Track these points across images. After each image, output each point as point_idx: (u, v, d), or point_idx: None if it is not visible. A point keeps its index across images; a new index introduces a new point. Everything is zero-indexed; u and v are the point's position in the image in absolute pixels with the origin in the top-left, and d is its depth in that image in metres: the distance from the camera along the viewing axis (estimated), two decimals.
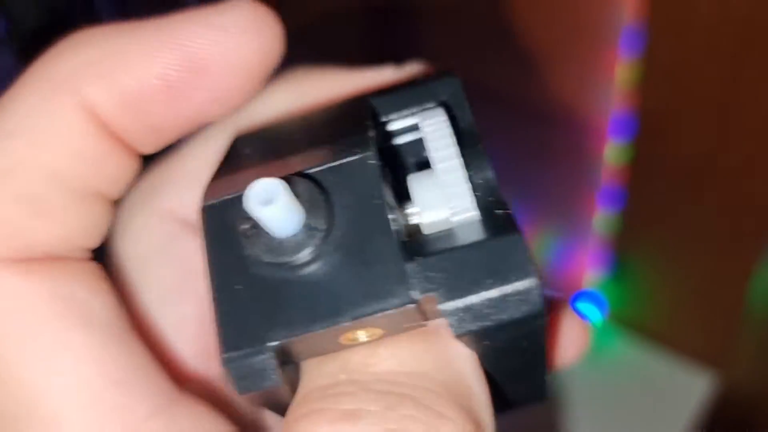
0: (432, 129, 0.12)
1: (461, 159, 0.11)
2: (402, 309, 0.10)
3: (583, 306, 0.60)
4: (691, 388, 0.55)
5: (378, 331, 0.10)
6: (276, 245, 0.10)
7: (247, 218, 0.10)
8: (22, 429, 0.11)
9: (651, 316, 0.58)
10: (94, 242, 0.12)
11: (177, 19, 0.12)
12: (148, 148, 0.13)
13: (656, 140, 0.47)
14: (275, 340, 0.10)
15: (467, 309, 0.10)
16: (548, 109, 0.56)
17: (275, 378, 0.10)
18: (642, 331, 0.59)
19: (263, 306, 0.10)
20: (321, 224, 0.10)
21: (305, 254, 0.10)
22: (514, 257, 0.10)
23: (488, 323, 0.10)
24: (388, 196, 0.11)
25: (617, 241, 0.56)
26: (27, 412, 0.11)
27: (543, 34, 0.52)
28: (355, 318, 0.10)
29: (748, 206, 0.45)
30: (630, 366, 0.57)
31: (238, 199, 0.10)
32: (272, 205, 0.09)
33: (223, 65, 0.12)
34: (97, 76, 0.11)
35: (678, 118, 0.45)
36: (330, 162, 0.11)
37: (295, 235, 0.10)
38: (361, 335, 0.10)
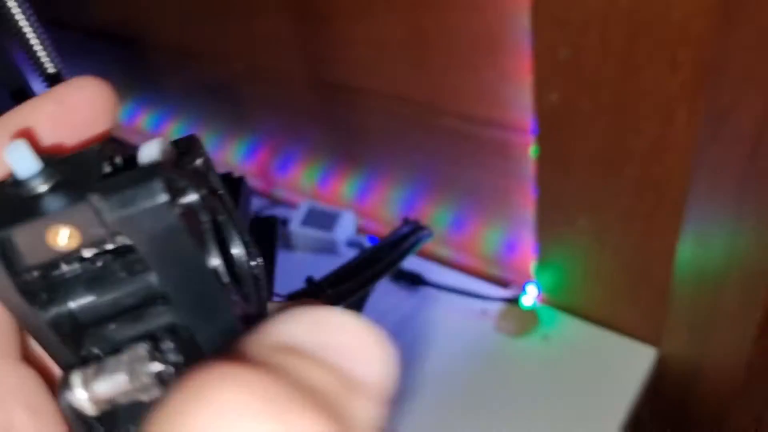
0: None
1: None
2: (77, 206, 0.13)
3: (528, 293, 0.63)
4: (632, 363, 0.58)
5: (73, 232, 0.13)
6: (18, 182, 0.13)
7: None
8: None
9: (587, 299, 0.60)
10: None
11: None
12: None
13: (564, 131, 0.50)
14: None
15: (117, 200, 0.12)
16: (475, 112, 0.58)
17: None
18: (581, 314, 0.62)
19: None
20: (51, 174, 0.13)
21: (31, 189, 0.13)
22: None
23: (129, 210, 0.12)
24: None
25: (545, 229, 0.58)
26: None
27: (460, 37, 0.54)
28: (46, 216, 0.13)
29: (662, 183, 0.48)
30: (573, 346, 0.60)
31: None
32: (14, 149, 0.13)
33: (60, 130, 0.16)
34: None
35: (581, 109, 0.47)
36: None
37: (32, 178, 0.13)
38: (62, 234, 0.13)
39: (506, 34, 0.51)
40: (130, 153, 0.14)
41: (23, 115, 0.15)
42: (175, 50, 0.80)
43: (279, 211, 0.78)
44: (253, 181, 0.86)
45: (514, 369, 0.58)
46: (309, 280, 0.44)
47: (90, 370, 0.13)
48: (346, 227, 0.72)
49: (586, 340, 0.60)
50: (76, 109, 0.16)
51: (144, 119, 0.96)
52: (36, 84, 0.47)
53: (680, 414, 0.60)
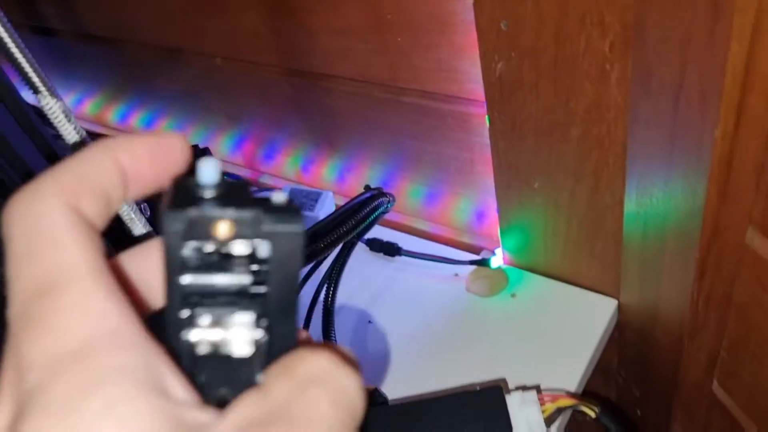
0: None
1: None
2: (246, 212, 0.18)
3: (496, 256, 0.67)
4: (595, 314, 0.62)
5: (232, 228, 0.18)
6: (198, 184, 0.18)
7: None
8: (49, 296, 0.16)
9: (549, 257, 0.64)
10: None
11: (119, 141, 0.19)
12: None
13: (512, 99, 0.53)
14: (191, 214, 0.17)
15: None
16: (435, 88, 0.62)
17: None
18: (545, 272, 0.66)
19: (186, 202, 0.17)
20: (219, 187, 0.18)
21: (206, 192, 0.18)
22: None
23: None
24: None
25: (504, 194, 0.62)
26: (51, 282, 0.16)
27: (415, 19, 0.58)
28: (221, 211, 0.17)
29: (604, 140, 0.52)
30: (539, 302, 0.64)
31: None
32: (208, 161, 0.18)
33: (147, 172, 0.20)
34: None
35: (525, 76, 0.51)
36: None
37: (208, 186, 0.18)
38: (224, 227, 0.18)
39: (456, 13, 0.55)
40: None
41: (129, 140, 0.19)
42: (159, 49, 0.84)
43: (265, 194, 0.82)
44: (242, 172, 0.91)
45: (485, 325, 0.62)
46: None
47: (204, 317, 0.18)
48: (327, 206, 0.76)
49: (551, 296, 0.64)
50: (169, 151, 0.20)
51: (136, 119, 1.00)
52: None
53: (642, 359, 0.64)
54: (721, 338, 0.53)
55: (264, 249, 0.18)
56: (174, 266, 0.18)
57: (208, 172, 0.18)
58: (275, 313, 0.19)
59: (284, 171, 0.86)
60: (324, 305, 0.62)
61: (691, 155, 0.45)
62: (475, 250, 0.71)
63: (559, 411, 0.43)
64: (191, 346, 0.18)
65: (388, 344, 0.63)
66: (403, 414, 0.45)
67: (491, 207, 0.67)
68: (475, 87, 0.59)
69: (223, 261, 0.18)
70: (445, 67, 0.60)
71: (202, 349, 0.18)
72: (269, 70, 0.74)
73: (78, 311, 0.16)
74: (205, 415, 0.16)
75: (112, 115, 1.04)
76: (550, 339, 0.60)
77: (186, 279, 0.18)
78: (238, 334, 0.18)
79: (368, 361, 0.62)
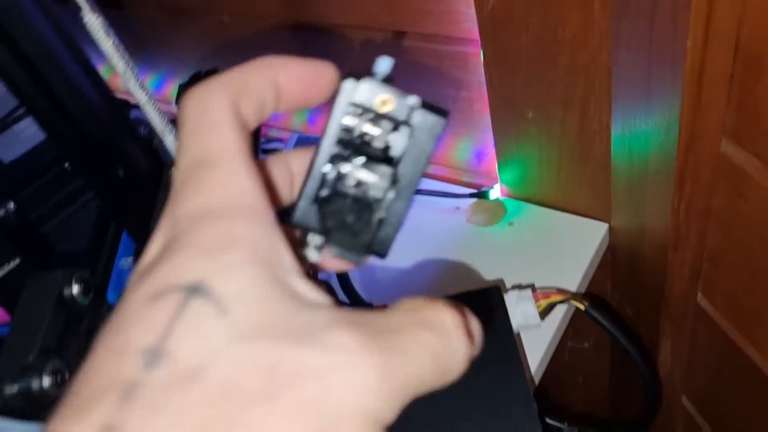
0: None
1: None
2: (407, 96, 0.23)
3: (494, 189, 0.71)
4: (587, 238, 0.66)
5: (389, 103, 0.22)
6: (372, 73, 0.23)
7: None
8: (205, 167, 0.20)
9: (543, 186, 0.68)
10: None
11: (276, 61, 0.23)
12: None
13: (503, 33, 0.57)
14: None
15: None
16: (434, 31, 0.66)
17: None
18: (540, 202, 0.70)
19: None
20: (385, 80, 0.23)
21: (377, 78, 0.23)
22: None
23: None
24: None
25: (500, 127, 0.66)
26: (208, 158, 0.20)
27: None
28: (390, 88, 0.23)
29: (590, 67, 0.56)
30: (535, 230, 0.68)
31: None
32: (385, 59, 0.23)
33: (297, 91, 0.23)
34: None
35: (514, 10, 0.55)
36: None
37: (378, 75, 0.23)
38: (387, 101, 0.22)
39: None
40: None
41: (288, 61, 0.23)
42: (164, 9, 0.88)
43: (271, 146, 0.86)
44: None
45: (485, 252, 0.67)
46: None
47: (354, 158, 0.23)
48: None
49: (546, 223, 0.68)
50: (319, 77, 0.23)
51: (147, 82, 1.04)
52: None
53: (633, 278, 0.68)
54: (703, 249, 0.57)
55: (405, 133, 0.23)
56: (339, 112, 0.22)
57: (384, 64, 0.23)
58: (399, 186, 0.23)
59: (291, 123, 0.90)
60: None
61: (666, 71, 0.49)
62: (475, 187, 0.76)
63: (552, 306, 0.48)
64: (339, 177, 0.23)
65: (393, 273, 0.68)
66: None
67: (489, 144, 0.72)
68: (472, 26, 0.62)
69: (377, 120, 0.23)
70: (443, 9, 0.63)
71: (348, 182, 0.23)
72: (276, 24, 0.78)
73: (224, 183, 0.20)
74: (320, 297, 0.19)
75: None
76: (546, 262, 0.64)
77: (347, 120, 0.22)
78: (376, 180, 0.23)
79: (373, 289, 0.66)
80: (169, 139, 0.39)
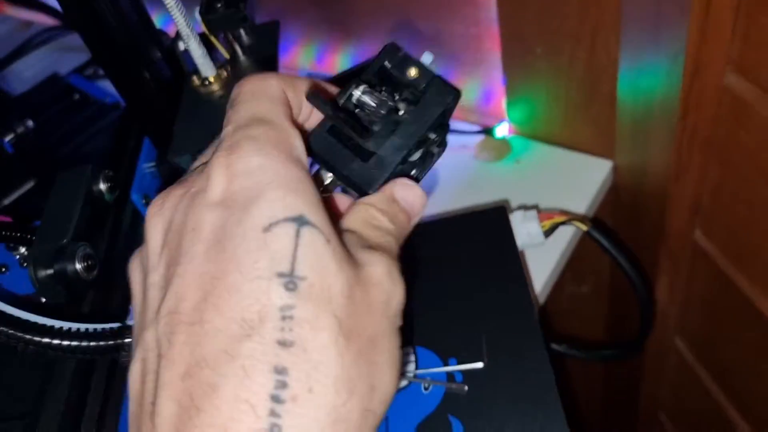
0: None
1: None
2: (431, 69, 0.29)
3: (501, 126, 0.73)
4: (592, 174, 0.68)
5: (416, 73, 0.29)
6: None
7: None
8: (260, 123, 0.25)
9: (550, 124, 0.70)
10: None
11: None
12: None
13: None
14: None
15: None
16: None
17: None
18: (547, 139, 0.72)
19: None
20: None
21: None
22: None
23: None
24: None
25: (510, 63, 0.67)
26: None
27: None
28: (421, 62, 0.29)
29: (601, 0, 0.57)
30: (541, 166, 0.70)
31: None
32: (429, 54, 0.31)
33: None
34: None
35: None
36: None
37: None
38: (413, 69, 0.29)
39: None
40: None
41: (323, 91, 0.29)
42: None
43: None
44: None
45: (491, 187, 0.68)
46: None
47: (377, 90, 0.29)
48: None
49: (552, 160, 0.70)
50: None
51: None
52: None
53: (634, 214, 0.70)
54: (703, 181, 0.59)
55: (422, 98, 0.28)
56: (374, 65, 0.28)
57: (427, 58, 0.29)
58: (398, 129, 0.27)
59: (299, 62, 0.91)
60: None
61: (675, 3, 0.50)
62: (483, 126, 0.77)
63: (555, 226, 0.49)
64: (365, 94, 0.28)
65: None
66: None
67: (498, 83, 0.73)
68: None
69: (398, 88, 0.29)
70: None
71: (371, 100, 0.27)
72: None
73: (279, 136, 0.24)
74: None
75: None
76: (550, 197, 0.66)
77: (375, 67, 0.28)
78: (386, 107, 0.27)
79: None
80: (192, 45, 0.40)
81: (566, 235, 0.58)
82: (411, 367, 0.44)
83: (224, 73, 0.44)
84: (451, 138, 0.75)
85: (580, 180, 0.68)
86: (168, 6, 0.37)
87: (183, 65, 0.44)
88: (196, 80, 0.43)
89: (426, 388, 0.42)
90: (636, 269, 0.48)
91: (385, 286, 0.23)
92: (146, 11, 0.44)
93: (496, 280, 0.48)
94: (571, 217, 0.49)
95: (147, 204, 0.40)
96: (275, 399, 0.19)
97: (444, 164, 0.73)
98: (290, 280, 0.21)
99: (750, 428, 0.69)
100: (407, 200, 0.28)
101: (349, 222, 0.26)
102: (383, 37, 0.80)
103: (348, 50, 0.85)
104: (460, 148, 0.73)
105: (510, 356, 0.43)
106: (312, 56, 0.89)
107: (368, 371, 0.22)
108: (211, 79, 0.43)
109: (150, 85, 0.43)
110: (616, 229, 0.75)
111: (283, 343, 0.20)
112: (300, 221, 0.22)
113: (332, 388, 0.20)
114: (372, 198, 0.27)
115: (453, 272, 0.48)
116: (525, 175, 0.69)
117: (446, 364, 0.43)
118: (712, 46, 0.50)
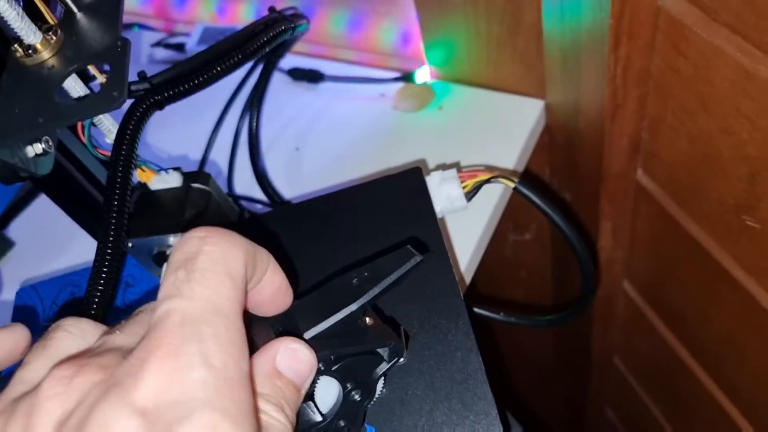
0: None
1: None
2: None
3: (421, 71, 0.65)
4: (523, 116, 0.61)
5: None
6: None
7: None
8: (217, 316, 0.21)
9: (473, 64, 0.63)
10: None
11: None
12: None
13: None
14: None
15: None
16: None
17: None
18: (471, 82, 0.65)
19: None
20: None
21: None
22: None
23: None
24: None
25: (424, 3, 0.60)
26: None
27: None
28: None
29: None
30: (467, 112, 0.63)
31: None
32: None
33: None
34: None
35: None
36: None
37: None
38: None
39: None
40: None
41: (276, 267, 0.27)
42: None
43: (178, 39, 0.78)
44: (154, 23, 0.86)
45: (414, 139, 0.62)
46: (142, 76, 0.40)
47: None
48: None
49: (478, 104, 0.63)
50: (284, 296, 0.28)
51: None
52: None
53: (570, 158, 0.64)
54: (642, 117, 0.53)
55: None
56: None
57: None
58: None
59: (198, 15, 0.81)
60: (249, 134, 0.60)
61: None
62: (402, 72, 0.70)
63: (479, 185, 0.43)
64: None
65: (318, 168, 0.62)
66: (317, 208, 0.45)
67: (415, 24, 0.65)
68: None
69: None
70: None
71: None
72: None
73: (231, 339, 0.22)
74: None
75: None
76: (479, 145, 0.60)
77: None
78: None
79: (299, 185, 0.61)
80: (0, 4, 0.32)
81: (493, 194, 0.52)
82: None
83: (53, 38, 0.35)
84: (367, 87, 0.68)
85: (511, 123, 0.61)
86: None
87: (5, 31, 0.35)
88: (18, 50, 0.35)
89: None
90: (571, 225, 0.43)
91: None
92: None
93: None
94: (495, 174, 0.43)
95: None
96: None
97: (361, 117, 0.66)
98: None
99: (702, 368, 0.66)
100: (292, 369, 0.25)
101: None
102: None
103: (251, 1, 0.75)
104: (377, 99, 0.66)
105: (434, 346, 0.37)
106: (212, 7, 0.79)
107: None
108: (39, 46, 0.35)
109: None
110: (553, 175, 0.70)
111: None
112: None
113: None
114: (256, 378, 0.24)
115: (364, 251, 0.41)
116: (450, 123, 0.63)
117: None
118: None
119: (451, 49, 0.62)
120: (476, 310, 0.45)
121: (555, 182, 0.70)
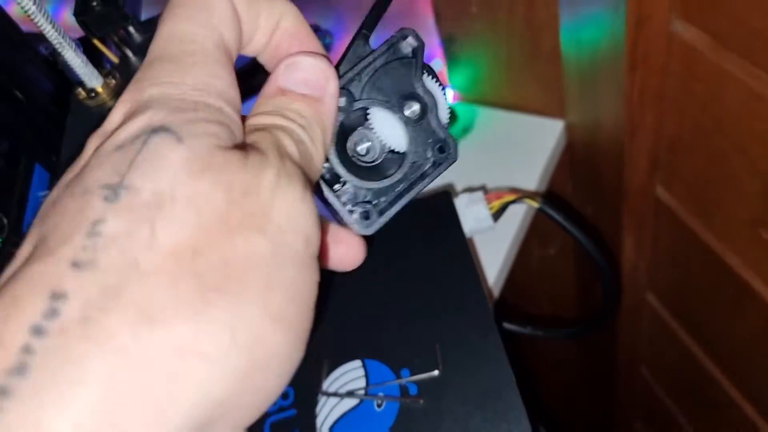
0: None
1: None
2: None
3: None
4: (544, 136, 0.64)
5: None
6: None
7: None
8: (189, 43, 0.20)
9: (495, 86, 0.66)
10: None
11: None
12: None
13: None
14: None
15: None
16: None
17: None
18: (494, 104, 0.67)
19: None
20: None
21: None
22: None
23: None
24: None
25: (445, 27, 0.63)
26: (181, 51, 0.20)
27: None
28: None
29: None
30: (491, 133, 0.65)
31: None
32: None
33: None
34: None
35: None
36: None
37: None
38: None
39: None
40: None
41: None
42: None
43: None
44: None
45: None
46: None
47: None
48: None
49: (501, 126, 0.66)
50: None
51: None
52: None
53: (592, 174, 0.67)
54: (659, 136, 0.56)
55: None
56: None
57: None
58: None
59: None
60: None
61: None
62: None
63: (505, 206, 0.46)
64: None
65: None
66: None
67: (436, 50, 0.68)
68: None
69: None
70: None
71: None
72: None
73: (204, 64, 0.20)
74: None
75: None
76: (503, 166, 0.62)
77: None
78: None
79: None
80: (67, 54, 0.35)
81: (518, 214, 0.55)
82: (360, 383, 0.40)
83: (113, 81, 0.38)
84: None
85: (533, 143, 0.64)
86: (27, 11, 0.32)
87: (67, 75, 0.38)
88: (82, 92, 0.38)
89: (379, 405, 0.39)
90: (594, 242, 0.45)
91: (269, 195, 0.18)
92: (11, 20, 0.38)
93: (446, 277, 0.44)
94: (521, 195, 0.45)
95: None
96: (35, 331, 0.15)
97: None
98: (112, 192, 0.17)
99: (727, 378, 0.67)
100: (297, 80, 0.22)
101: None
102: (309, 8, 0.74)
103: None
104: None
105: (467, 360, 0.40)
106: None
107: (218, 315, 0.16)
108: (99, 90, 0.38)
109: (25, 105, 0.37)
110: (575, 191, 0.72)
111: (76, 264, 0.16)
112: (158, 129, 0.18)
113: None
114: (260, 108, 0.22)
115: (398, 272, 0.44)
116: (474, 143, 0.65)
117: (399, 377, 0.40)
118: None
119: (472, 72, 0.65)
120: (505, 325, 0.48)
121: (578, 197, 0.73)
